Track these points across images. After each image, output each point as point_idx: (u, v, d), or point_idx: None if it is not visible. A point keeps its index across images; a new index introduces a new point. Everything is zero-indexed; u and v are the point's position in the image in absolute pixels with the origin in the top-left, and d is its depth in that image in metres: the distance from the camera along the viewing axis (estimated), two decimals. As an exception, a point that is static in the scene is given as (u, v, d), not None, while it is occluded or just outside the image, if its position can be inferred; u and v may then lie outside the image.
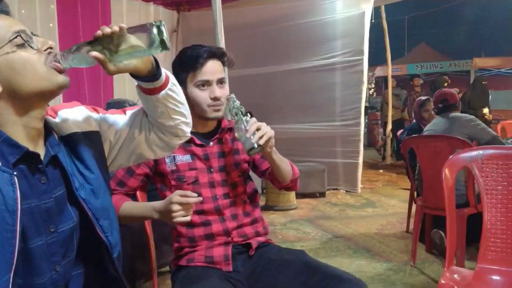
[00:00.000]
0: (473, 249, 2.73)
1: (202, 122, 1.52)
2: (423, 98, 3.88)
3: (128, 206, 1.42)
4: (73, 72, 4.21)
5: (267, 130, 1.37)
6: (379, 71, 13.22)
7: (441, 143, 2.76)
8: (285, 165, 1.53)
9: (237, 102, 1.40)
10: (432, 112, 3.59)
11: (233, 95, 1.43)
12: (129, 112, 1.13)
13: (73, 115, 1.05)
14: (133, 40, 0.89)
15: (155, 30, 0.88)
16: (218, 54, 1.49)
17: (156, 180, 1.53)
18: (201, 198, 1.34)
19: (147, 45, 0.89)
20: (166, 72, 1.05)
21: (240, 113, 1.39)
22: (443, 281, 1.52)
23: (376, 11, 6.40)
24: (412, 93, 8.08)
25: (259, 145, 1.34)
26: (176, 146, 1.17)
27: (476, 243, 2.73)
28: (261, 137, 1.34)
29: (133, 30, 0.90)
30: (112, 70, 0.91)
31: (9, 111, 0.90)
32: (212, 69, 1.47)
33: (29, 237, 0.88)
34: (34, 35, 0.93)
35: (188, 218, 1.29)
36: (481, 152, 1.68)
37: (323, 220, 4.18)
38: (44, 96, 0.93)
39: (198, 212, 1.47)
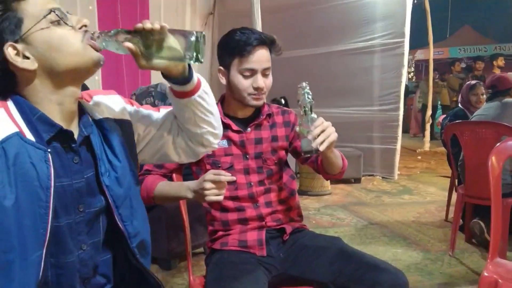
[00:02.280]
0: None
1: (241, 107, 1.49)
2: (473, 81, 3.71)
3: (164, 186, 1.43)
4: (112, 58, 4.33)
5: (331, 133, 1.28)
6: (419, 54, 12.81)
7: (487, 129, 2.64)
8: (338, 160, 1.47)
9: (310, 95, 1.31)
10: (482, 97, 3.43)
11: (305, 84, 1.33)
12: (163, 110, 1.13)
13: (108, 101, 1.05)
14: (171, 41, 0.89)
15: (193, 39, 0.89)
16: (267, 42, 1.43)
17: (192, 164, 1.52)
18: (234, 178, 1.32)
19: (182, 51, 0.90)
20: (199, 77, 1.03)
21: (309, 108, 1.30)
22: (486, 273, 1.46)
23: (419, -9, 6.17)
24: (471, 76, 7.33)
25: (318, 150, 1.27)
26: (201, 155, 1.16)
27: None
28: (322, 142, 1.26)
29: (173, 32, 0.90)
30: (143, 65, 0.92)
31: (45, 88, 0.90)
32: (260, 57, 1.41)
33: (59, 215, 0.89)
34: (68, 13, 0.93)
35: (220, 198, 1.27)
36: (531, 140, 1.61)
37: (358, 207, 4.12)
38: (80, 72, 0.93)
39: (232, 198, 1.46)
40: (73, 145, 0.93)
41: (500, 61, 7.26)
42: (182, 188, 1.38)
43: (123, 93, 1.10)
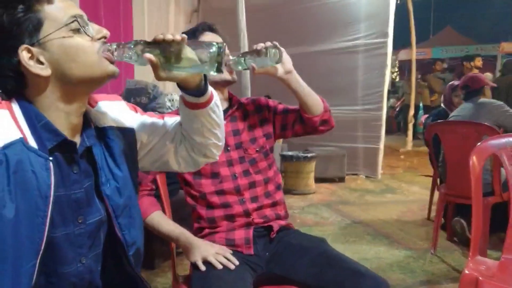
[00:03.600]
0: (495, 239, 2.68)
1: None
2: (456, 82, 3.76)
3: (159, 217, 1.43)
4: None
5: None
6: (402, 55, 12.95)
7: (468, 129, 2.67)
8: (312, 92, 1.49)
9: (234, 56, 1.38)
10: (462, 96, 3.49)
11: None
12: (167, 119, 1.12)
13: (112, 108, 1.04)
14: (189, 52, 0.89)
15: (214, 51, 0.90)
16: (212, 28, 1.50)
17: None
18: (236, 263, 1.35)
19: (202, 62, 0.90)
20: (212, 90, 1.04)
21: (239, 57, 1.36)
22: (467, 271, 1.48)
23: (402, -8, 6.23)
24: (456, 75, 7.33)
25: (272, 59, 1.33)
26: (201, 165, 1.17)
27: (498, 232, 2.70)
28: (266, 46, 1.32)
29: (193, 43, 0.91)
30: (162, 76, 0.91)
31: (55, 96, 0.88)
32: (211, 37, 1.48)
33: (56, 225, 0.87)
34: (90, 21, 0.91)
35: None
36: (511, 139, 1.63)
37: (342, 205, 4.15)
38: (92, 84, 0.92)
39: (218, 193, 1.46)
40: (74, 155, 0.91)
41: (438, 66, 7.34)
42: (178, 233, 1.41)
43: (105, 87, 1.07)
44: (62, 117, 0.89)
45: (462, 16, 16.66)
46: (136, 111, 1.10)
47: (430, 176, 3.73)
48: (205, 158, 1.12)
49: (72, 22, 0.86)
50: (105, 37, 0.92)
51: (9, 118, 0.84)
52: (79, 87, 0.90)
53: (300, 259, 1.38)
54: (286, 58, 1.43)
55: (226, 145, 1.49)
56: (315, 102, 1.50)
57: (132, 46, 0.89)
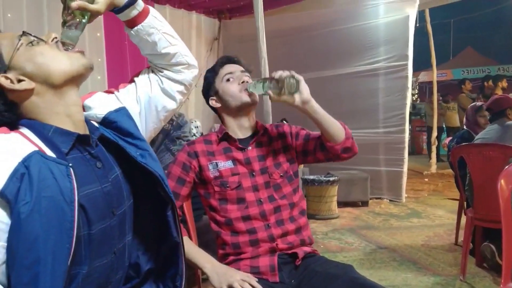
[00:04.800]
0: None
1: (237, 124, 1.55)
2: (478, 103, 3.71)
3: (185, 245, 1.44)
4: (118, 55, 4.38)
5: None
6: (423, 76, 12.86)
7: (494, 152, 2.63)
8: (331, 120, 1.50)
9: (261, 80, 1.45)
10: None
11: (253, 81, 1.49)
12: (137, 77, 1.19)
13: (96, 101, 1.10)
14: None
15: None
16: (234, 60, 1.58)
17: (199, 187, 1.53)
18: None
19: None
20: (148, 7, 1.12)
21: (258, 81, 1.45)
22: (500, 299, 1.43)
23: (421, 14, 6.23)
24: (482, 96, 7.19)
25: (291, 91, 1.38)
26: (191, 79, 1.22)
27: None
28: (286, 74, 1.38)
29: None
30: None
31: (50, 103, 0.94)
32: (232, 67, 1.56)
33: (92, 222, 0.91)
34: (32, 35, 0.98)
35: None
36: (540, 162, 1.60)
37: (366, 230, 4.08)
38: (74, 78, 0.97)
39: (244, 218, 1.47)
40: (92, 152, 0.96)
41: (504, 83, 7.24)
42: (204, 259, 1.43)
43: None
44: (66, 120, 0.95)
45: (482, 36, 16.53)
46: (112, 92, 1.16)
47: (456, 199, 3.65)
48: (188, 68, 1.20)
49: (22, 36, 0.93)
50: (55, 38, 0.97)
51: (22, 138, 0.89)
52: (65, 85, 0.95)
53: (328, 286, 1.36)
54: (304, 87, 1.44)
55: (252, 170, 1.51)
56: (336, 130, 1.49)
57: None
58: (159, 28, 1.12)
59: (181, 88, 1.20)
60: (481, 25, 16.37)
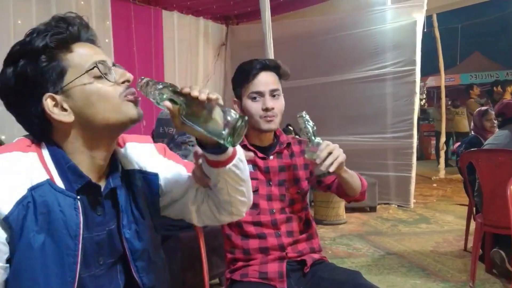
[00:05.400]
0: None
1: (257, 135, 1.52)
2: (483, 108, 3.68)
3: None
4: (125, 53, 4.41)
5: (338, 154, 1.32)
6: (430, 81, 12.81)
7: (504, 157, 2.61)
8: (355, 180, 1.48)
9: (310, 123, 1.38)
10: (495, 122, 3.41)
11: (304, 113, 1.39)
12: (188, 168, 1.08)
13: (140, 151, 1.03)
14: (214, 113, 0.85)
15: (235, 123, 0.85)
16: (271, 66, 1.49)
17: None
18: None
19: (221, 127, 0.85)
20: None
21: (312, 134, 1.36)
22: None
23: (428, 19, 6.22)
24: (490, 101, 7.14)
25: (329, 172, 1.31)
26: (225, 222, 1.13)
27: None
28: (331, 164, 1.30)
29: (219, 106, 0.87)
30: (177, 125, 0.89)
31: (79, 141, 0.90)
32: (265, 80, 1.47)
33: (80, 267, 0.87)
34: (114, 65, 0.93)
35: None
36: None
37: (375, 236, 4.06)
38: (115, 129, 0.92)
39: (255, 223, 1.46)
40: (99, 198, 0.92)
41: (476, 90, 7.23)
42: None
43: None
44: (87, 160, 0.90)
45: (490, 41, 16.45)
46: (165, 154, 1.08)
47: (465, 205, 3.63)
48: (230, 216, 1.07)
49: (93, 68, 0.87)
50: (128, 81, 0.92)
51: (37, 161, 0.86)
52: (103, 132, 0.90)
53: (335, 293, 1.35)
54: (341, 156, 1.35)
55: (269, 179, 1.51)
56: (355, 189, 1.49)
57: (160, 87, 0.88)
58: (227, 180, 0.98)
59: (213, 220, 1.08)
60: (488, 30, 16.30)
